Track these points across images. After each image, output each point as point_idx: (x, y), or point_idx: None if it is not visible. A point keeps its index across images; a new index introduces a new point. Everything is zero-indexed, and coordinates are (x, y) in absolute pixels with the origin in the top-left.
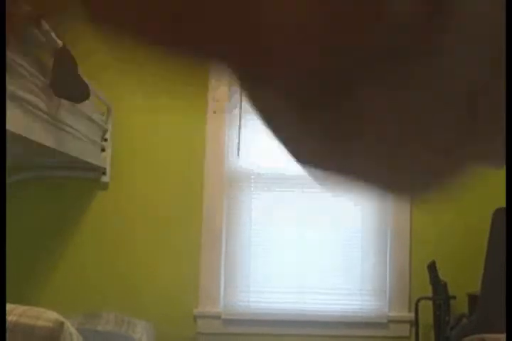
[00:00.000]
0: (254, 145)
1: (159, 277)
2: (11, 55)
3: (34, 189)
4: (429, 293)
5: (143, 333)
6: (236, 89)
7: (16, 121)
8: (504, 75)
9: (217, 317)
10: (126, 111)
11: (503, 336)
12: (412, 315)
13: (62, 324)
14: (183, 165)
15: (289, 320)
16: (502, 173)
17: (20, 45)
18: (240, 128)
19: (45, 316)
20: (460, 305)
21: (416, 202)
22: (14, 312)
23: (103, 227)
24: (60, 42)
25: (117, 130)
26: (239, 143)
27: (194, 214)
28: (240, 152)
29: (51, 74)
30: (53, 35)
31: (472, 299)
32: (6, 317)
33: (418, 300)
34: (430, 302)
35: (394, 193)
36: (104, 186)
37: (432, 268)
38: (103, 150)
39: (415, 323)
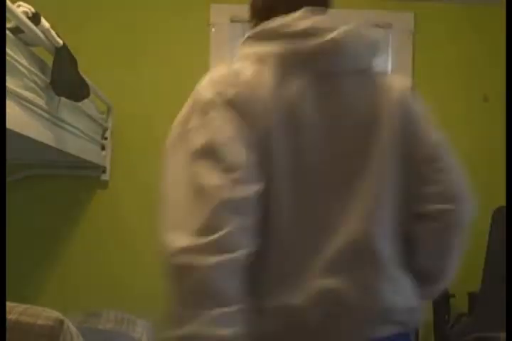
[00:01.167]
0: None
1: (159, 276)
2: (11, 54)
3: (34, 187)
4: None
5: (143, 332)
6: None
7: (16, 119)
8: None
9: None
10: (127, 110)
11: (502, 335)
12: None
13: (62, 322)
14: None
15: None
16: (502, 172)
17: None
18: None
19: (45, 315)
20: (460, 304)
21: None
22: (14, 310)
23: (103, 225)
24: (60, 41)
25: (117, 128)
26: None
27: None
28: None
29: (51, 73)
30: (53, 33)
31: (472, 298)
32: (6, 315)
33: None
34: (430, 301)
35: None
36: (104, 184)
37: None
38: (103, 148)
39: None
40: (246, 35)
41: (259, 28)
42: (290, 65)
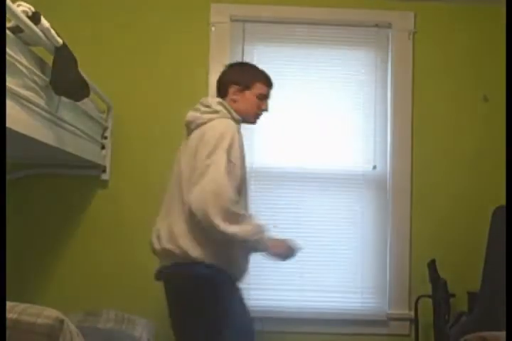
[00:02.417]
0: (255, 144)
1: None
2: (11, 53)
3: (34, 187)
4: (429, 291)
5: (143, 331)
6: None
7: (16, 118)
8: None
9: None
10: (127, 110)
11: (502, 334)
12: (412, 312)
13: (62, 321)
14: None
15: (288, 317)
16: (502, 172)
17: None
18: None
19: (45, 314)
20: (460, 303)
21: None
22: (14, 310)
23: (103, 225)
24: (60, 40)
25: (117, 128)
26: None
27: None
28: None
29: (51, 73)
30: (53, 32)
31: (472, 297)
32: (7, 314)
33: (418, 298)
34: (430, 300)
35: None
36: (104, 184)
37: (432, 266)
38: (103, 148)
39: (415, 321)
40: None
41: None
42: None
